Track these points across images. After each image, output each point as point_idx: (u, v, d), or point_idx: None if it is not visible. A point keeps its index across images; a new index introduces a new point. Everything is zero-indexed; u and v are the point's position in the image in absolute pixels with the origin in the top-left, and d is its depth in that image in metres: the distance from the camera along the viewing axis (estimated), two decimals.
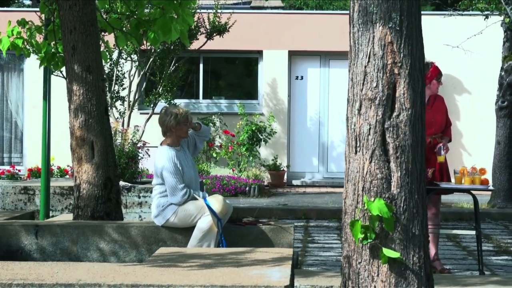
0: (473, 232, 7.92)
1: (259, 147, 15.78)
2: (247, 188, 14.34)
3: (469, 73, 16.32)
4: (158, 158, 6.86)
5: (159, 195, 6.85)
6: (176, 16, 9.01)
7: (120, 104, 15.33)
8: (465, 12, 13.81)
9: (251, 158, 15.45)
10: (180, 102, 16.65)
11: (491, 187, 7.76)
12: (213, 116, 16.46)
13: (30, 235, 6.84)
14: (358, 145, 4.70)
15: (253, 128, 15.39)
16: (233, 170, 15.45)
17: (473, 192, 7.85)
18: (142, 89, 15.74)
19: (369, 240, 4.62)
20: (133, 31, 9.31)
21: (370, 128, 4.66)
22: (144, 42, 10.42)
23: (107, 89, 15.16)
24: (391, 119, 4.65)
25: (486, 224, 11.75)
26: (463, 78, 16.47)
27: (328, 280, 6.34)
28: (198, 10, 15.48)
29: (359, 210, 4.63)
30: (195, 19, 15.35)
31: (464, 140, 16.50)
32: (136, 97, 15.10)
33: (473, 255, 9.08)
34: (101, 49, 9.94)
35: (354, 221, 4.63)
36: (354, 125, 4.71)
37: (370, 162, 4.65)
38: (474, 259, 8.81)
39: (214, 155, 15.89)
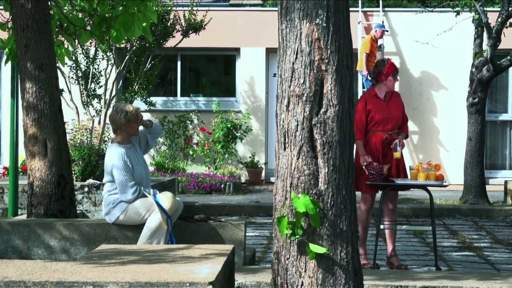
0: (429, 228, 7.93)
1: (235, 144, 15.79)
2: (222, 186, 14.34)
3: (445, 69, 16.34)
4: (108, 156, 6.88)
5: (109, 193, 6.87)
6: (138, 13, 9.03)
7: (97, 102, 15.32)
8: (436, 9, 13.83)
9: (226, 155, 15.45)
10: (158, 99, 16.66)
11: (445, 183, 7.78)
12: (191, 114, 16.46)
13: None
14: (286, 141, 4.72)
15: (228, 126, 15.40)
16: (209, 168, 15.45)
17: (434, 188, 7.89)
18: (119, 87, 15.73)
19: (296, 236, 4.64)
20: (96, 29, 9.32)
21: (297, 125, 4.68)
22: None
23: (84, 87, 15.18)
24: (319, 116, 4.67)
25: (455, 220, 11.78)
26: (440, 75, 16.48)
27: None
28: (174, 8, 15.47)
29: (286, 206, 4.65)
30: (171, 16, 15.36)
31: (441, 137, 16.52)
32: (112, 95, 15.10)
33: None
34: (68, 48, 9.99)
35: (281, 217, 4.65)
36: (283, 122, 4.73)
37: (298, 159, 4.67)
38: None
39: (191, 152, 15.91)
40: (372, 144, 7.88)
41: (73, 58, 14.98)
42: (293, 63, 4.69)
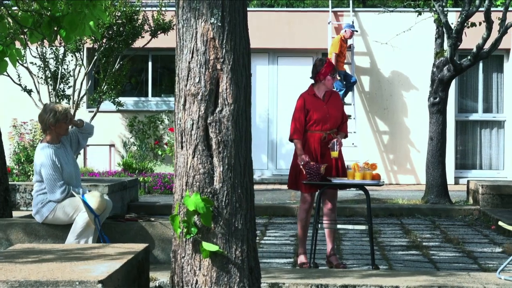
0: (365, 227, 7.94)
1: None
2: None
3: (415, 69, 16.35)
4: (36, 156, 6.90)
5: (38, 192, 6.89)
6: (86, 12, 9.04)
7: (66, 103, 15.32)
8: (397, 9, 13.84)
9: None
10: (129, 100, 16.69)
11: (381, 182, 7.79)
12: (161, 114, 16.49)
13: None
14: (183, 140, 4.75)
15: None
16: None
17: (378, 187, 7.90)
18: (87, 87, 15.74)
19: (191, 235, 4.66)
20: (45, 29, 9.34)
21: (193, 124, 4.70)
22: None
23: (52, 87, 15.20)
24: (214, 114, 4.69)
25: (414, 220, 11.79)
26: (410, 75, 16.50)
27: None
28: (143, 8, 15.49)
29: (178, 205, 4.68)
30: (140, 17, 15.36)
31: (412, 136, 16.55)
32: (81, 95, 15.12)
33: (382, 250, 9.12)
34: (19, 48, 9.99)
35: (174, 215, 4.67)
36: (180, 121, 4.76)
37: (193, 157, 4.70)
38: (380, 254, 8.86)
39: (160, 153, 15.93)
40: (310, 143, 7.89)
41: (42, 58, 15.01)
42: (189, 62, 4.72)
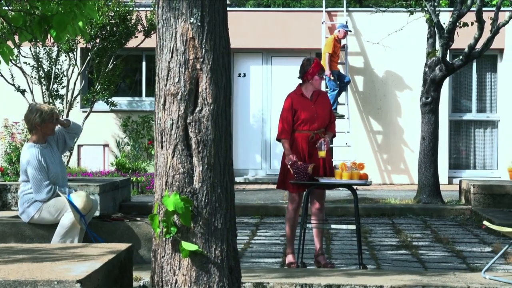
0: (353, 227, 7.95)
1: None
2: None
3: (410, 69, 16.35)
4: (22, 155, 6.91)
5: (24, 192, 6.90)
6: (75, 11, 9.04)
7: (60, 103, 15.34)
8: (389, 9, 13.84)
9: None
10: (123, 100, 16.69)
11: (369, 182, 7.80)
12: None
13: None
14: (163, 140, 4.75)
15: None
16: None
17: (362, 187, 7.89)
18: (81, 87, 15.74)
19: (171, 234, 4.67)
20: (36, 28, 9.33)
21: (173, 123, 4.71)
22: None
23: (46, 87, 15.20)
24: (194, 114, 4.69)
25: (405, 219, 11.80)
26: (404, 75, 16.50)
27: None
28: (136, 8, 15.49)
29: (157, 205, 4.68)
30: (133, 17, 15.36)
31: (406, 136, 16.55)
32: (74, 95, 15.12)
33: (371, 249, 9.13)
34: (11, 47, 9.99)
35: (153, 215, 4.68)
36: (160, 120, 4.76)
37: (173, 157, 4.70)
38: (369, 254, 8.86)
39: (153, 153, 15.92)
40: (298, 143, 7.89)
41: (35, 58, 15.02)
42: (169, 62, 4.73)
